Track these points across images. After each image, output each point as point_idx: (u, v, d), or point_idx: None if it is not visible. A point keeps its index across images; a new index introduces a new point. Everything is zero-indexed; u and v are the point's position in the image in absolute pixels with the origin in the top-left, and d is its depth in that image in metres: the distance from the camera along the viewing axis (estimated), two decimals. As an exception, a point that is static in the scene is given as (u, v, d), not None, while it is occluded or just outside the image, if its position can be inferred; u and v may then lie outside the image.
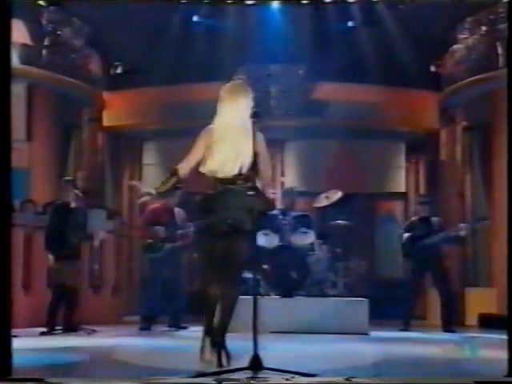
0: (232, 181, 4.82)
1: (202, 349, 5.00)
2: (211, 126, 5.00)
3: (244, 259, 4.96)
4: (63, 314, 8.41)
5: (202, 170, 4.91)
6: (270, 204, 5.63)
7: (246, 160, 4.81)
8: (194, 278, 12.45)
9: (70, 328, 8.31)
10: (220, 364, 4.83)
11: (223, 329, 4.95)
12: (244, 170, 4.81)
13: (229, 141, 4.85)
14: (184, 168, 4.97)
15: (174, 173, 4.96)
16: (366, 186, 12.94)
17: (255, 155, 4.80)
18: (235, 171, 4.82)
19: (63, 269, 8.35)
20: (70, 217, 8.44)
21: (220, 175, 4.84)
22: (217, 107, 5.02)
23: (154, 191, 5.25)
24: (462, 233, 9.19)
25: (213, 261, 4.99)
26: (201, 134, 5.00)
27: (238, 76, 5.23)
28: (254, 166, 4.82)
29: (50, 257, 8.44)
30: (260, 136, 4.88)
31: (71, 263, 8.43)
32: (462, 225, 9.28)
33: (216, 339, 4.90)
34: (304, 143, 13.15)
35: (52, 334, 8.10)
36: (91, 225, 9.15)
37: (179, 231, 8.85)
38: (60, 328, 8.31)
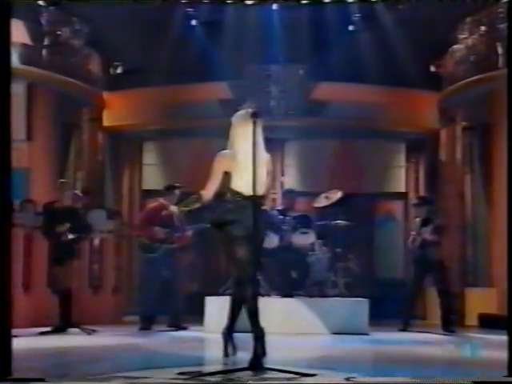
0: (257, 198, 5.10)
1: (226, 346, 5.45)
2: (226, 151, 5.26)
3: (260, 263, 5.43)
4: (59, 314, 8.38)
5: (233, 187, 5.26)
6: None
7: (264, 180, 5.33)
8: (193, 279, 12.46)
9: (66, 327, 8.28)
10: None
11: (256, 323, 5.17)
12: (265, 189, 5.37)
13: (253, 164, 5.06)
14: (207, 194, 5.30)
15: (198, 198, 5.34)
16: (366, 186, 12.94)
17: (267, 173, 5.37)
18: (263, 191, 5.29)
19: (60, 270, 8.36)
20: (65, 218, 8.39)
21: (250, 194, 5.05)
22: (230, 134, 5.32)
23: (176, 209, 5.90)
24: (427, 236, 9.17)
25: (240, 267, 5.24)
26: (217, 160, 5.26)
27: (247, 105, 5.53)
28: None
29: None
30: (269, 156, 5.40)
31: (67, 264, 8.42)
32: (423, 228, 9.26)
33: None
34: (304, 143, 13.14)
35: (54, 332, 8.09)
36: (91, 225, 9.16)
37: (176, 234, 8.82)
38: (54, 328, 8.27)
